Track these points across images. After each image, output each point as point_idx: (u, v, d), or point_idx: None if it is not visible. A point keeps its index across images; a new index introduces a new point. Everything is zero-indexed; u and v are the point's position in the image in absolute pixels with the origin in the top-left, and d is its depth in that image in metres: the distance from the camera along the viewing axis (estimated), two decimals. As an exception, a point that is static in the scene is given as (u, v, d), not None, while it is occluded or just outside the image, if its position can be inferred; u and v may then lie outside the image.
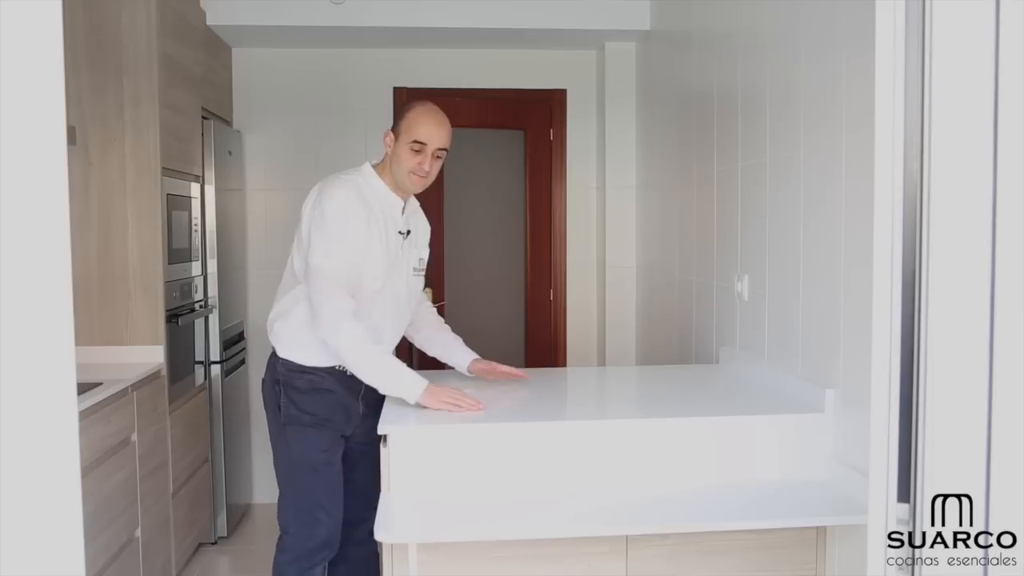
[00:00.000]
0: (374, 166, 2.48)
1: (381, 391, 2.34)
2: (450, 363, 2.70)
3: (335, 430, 2.45)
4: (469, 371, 2.64)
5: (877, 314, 1.25)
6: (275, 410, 2.46)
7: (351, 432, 2.49)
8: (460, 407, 2.23)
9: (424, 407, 2.25)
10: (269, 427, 2.51)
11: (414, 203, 2.60)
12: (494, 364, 2.63)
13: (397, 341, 2.58)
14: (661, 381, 2.98)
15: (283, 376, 2.44)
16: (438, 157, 2.42)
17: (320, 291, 2.29)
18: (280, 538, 2.45)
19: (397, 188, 2.46)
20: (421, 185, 2.44)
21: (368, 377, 2.32)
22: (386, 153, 2.45)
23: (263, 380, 2.55)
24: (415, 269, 2.56)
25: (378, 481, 2.39)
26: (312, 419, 2.41)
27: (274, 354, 2.49)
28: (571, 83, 4.60)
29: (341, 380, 2.44)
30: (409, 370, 2.30)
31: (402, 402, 2.43)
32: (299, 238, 2.41)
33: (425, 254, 2.62)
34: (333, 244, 2.30)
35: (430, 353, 2.75)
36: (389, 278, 2.44)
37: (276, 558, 2.45)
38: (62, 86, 0.97)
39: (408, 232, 2.51)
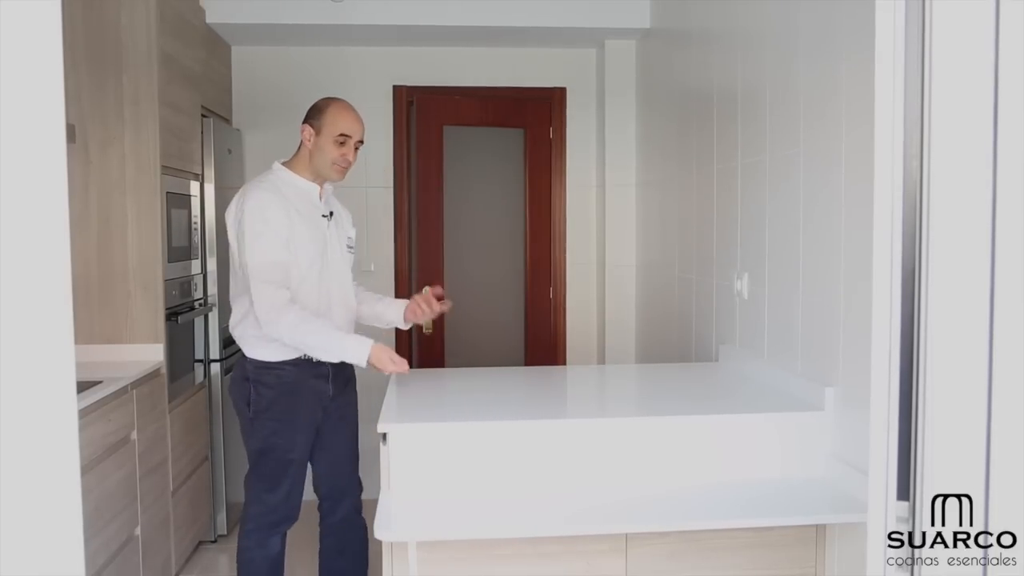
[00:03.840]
0: (284, 164, 2.63)
1: (333, 360, 2.51)
2: (387, 324, 2.83)
3: (302, 422, 2.58)
4: (406, 321, 2.77)
5: (877, 312, 1.25)
6: (244, 405, 2.59)
7: (322, 415, 2.64)
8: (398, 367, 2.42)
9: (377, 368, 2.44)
10: (240, 420, 2.64)
11: (329, 189, 2.71)
12: (420, 299, 2.70)
13: (352, 319, 2.72)
14: (661, 379, 2.98)
15: (252, 373, 2.58)
16: (357, 149, 2.61)
17: (255, 291, 2.46)
18: (244, 506, 2.64)
19: (315, 177, 2.61)
20: (343, 174, 2.61)
21: (317, 352, 2.50)
22: (301, 146, 2.60)
23: (232, 378, 2.68)
24: (349, 247, 2.73)
25: (355, 457, 2.75)
26: (279, 412, 2.56)
27: (243, 355, 2.63)
28: (571, 81, 4.59)
29: (308, 369, 2.58)
30: (351, 335, 2.50)
31: (402, 400, 2.44)
32: (231, 246, 2.61)
33: (352, 233, 2.79)
34: (256, 241, 2.46)
35: (366, 323, 2.84)
36: (327, 259, 2.60)
37: (241, 526, 2.63)
38: (61, 84, 0.97)
39: (331, 213, 2.66)
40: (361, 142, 2.62)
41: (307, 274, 2.53)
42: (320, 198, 2.64)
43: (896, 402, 1.24)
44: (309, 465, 2.69)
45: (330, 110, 2.57)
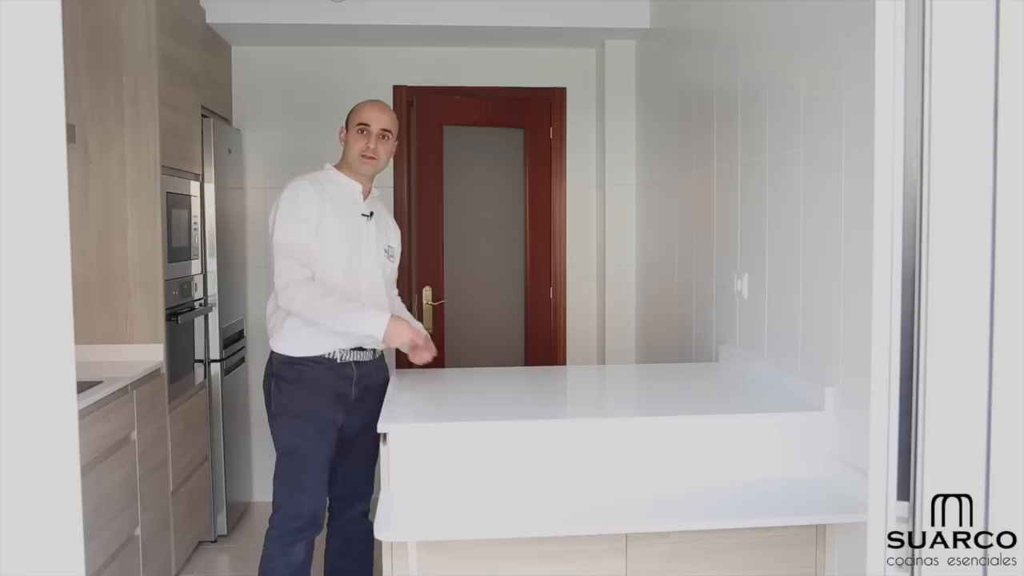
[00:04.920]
0: (334, 166, 2.72)
1: (352, 333, 2.54)
2: None
3: (321, 419, 2.57)
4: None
5: (877, 312, 1.25)
6: (267, 401, 2.65)
7: (343, 419, 2.62)
8: (418, 346, 2.57)
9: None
10: (267, 417, 2.68)
11: (379, 201, 2.81)
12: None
13: None
14: (661, 379, 2.98)
15: (276, 369, 2.62)
16: (384, 138, 2.66)
17: (278, 266, 2.52)
18: (271, 514, 2.60)
19: (356, 176, 2.69)
20: (371, 166, 2.67)
21: (335, 325, 2.51)
22: (343, 149, 2.70)
23: (264, 376, 2.71)
24: (385, 251, 2.74)
25: (373, 463, 2.69)
26: (298, 409, 2.56)
27: (272, 351, 2.65)
28: (571, 81, 4.59)
29: (332, 368, 2.59)
30: (368, 308, 2.52)
31: (402, 401, 2.43)
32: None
33: (395, 243, 2.82)
34: (286, 222, 2.53)
35: None
36: (359, 256, 2.63)
37: (267, 532, 2.60)
38: (61, 85, 0.97)
39: (372, 213, 2.71)
40: (387, 131, 2.66)
41: (333, 265, 2.56)
42: (364, 198, 2.70)
43: (896, 402, 1.24)
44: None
45: (355, 107, 2.71)
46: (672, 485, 2.16)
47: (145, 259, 3.26)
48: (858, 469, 2.03)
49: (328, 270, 2.55)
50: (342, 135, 2.71)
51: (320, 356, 2.57)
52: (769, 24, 2.65)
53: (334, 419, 2.60)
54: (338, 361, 2.58)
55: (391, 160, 2.79)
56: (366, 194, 2.71)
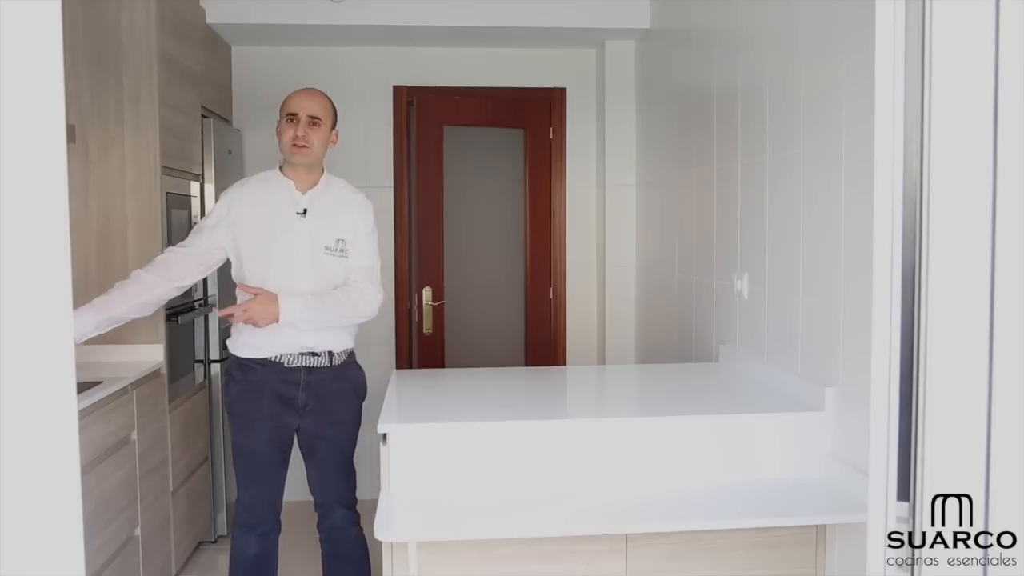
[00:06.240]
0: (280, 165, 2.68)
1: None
2: None
3: (261, 420, 2.60)
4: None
5: (877, 312, 1.25)
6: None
7: (297, 423, 2.64)
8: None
9: None
10: None
11: (331, 192, 2.65)
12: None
13: (318, 319, 2.54)
14: (661, 380, 2.98)
15: (230, 368, 2.69)
16: (314, 125, 2.55)
17: None
18: None
19: (293, 173, 2.60)
20: (302, 156, 2.55)
21: None
22: (279, 143, 2.62)
23: None
24: (327, 248, 2.57)
25: (343, 470, 2.68)
26: (240, 409, 2.63)
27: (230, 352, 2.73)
28: (571, 81, 4.59)
29: (278, 372, 2.60)
30: (84, 312, 2.43)
31: (402, 401, 2.44)
32: None
33: (345, 236, 2.59)
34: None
35: None
36: (289, 253, 2.56)
37: None
38: (62, 85, 0.97)
39: (305, 211, 2.58)
40: (316, 118, 2.55)
41: (252, 265, 2.58)
42: (302, 194, 2.59)
43: (896, 402, 1.24)
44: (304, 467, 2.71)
45: (285, 98, 2.62)
46: (672, 485, 2.16)
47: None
48: (858, 469, 2.03)
49: (250, 271, 2.58)
50: (277, 130, 2.61)
51: (266, 359, 2.58)
52: (769, 24, 2.65)
53: (280, 422, 2.61)
54: (285, 365, 2.58)
55: (333, 143, 2.66)
56: (308, 187, 2.60)
